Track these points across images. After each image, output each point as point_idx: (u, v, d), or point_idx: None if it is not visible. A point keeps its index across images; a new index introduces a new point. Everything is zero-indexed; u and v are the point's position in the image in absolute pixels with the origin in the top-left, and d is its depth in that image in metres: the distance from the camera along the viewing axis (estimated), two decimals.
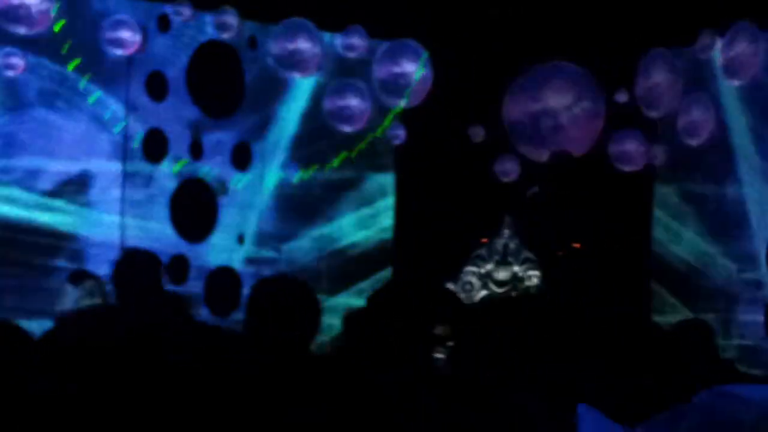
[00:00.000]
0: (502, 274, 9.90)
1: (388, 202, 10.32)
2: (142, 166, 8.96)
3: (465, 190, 9.78)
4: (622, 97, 9.20)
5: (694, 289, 9.37)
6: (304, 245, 10.00)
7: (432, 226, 9.76)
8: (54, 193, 8.57)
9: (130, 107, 8.84)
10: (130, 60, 8.63)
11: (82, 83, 8.61)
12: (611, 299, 9.32)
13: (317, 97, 9.66)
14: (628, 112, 9.38)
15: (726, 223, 9.01)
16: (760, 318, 8.13)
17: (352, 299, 9.68)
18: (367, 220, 10.28)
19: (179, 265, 9.00)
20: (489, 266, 9.95)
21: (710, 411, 1.77)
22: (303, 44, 8.95)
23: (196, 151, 9.16)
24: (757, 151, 8.67)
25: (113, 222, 8.80)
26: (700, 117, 8.76)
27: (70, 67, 8.53)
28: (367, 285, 9.72)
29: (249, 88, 9.37)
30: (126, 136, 8.86)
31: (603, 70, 9.56)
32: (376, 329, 4.76)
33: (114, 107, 8.82)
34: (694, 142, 8.74)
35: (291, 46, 8.93)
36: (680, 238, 9.60)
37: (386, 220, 10.32)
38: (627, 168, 9.23)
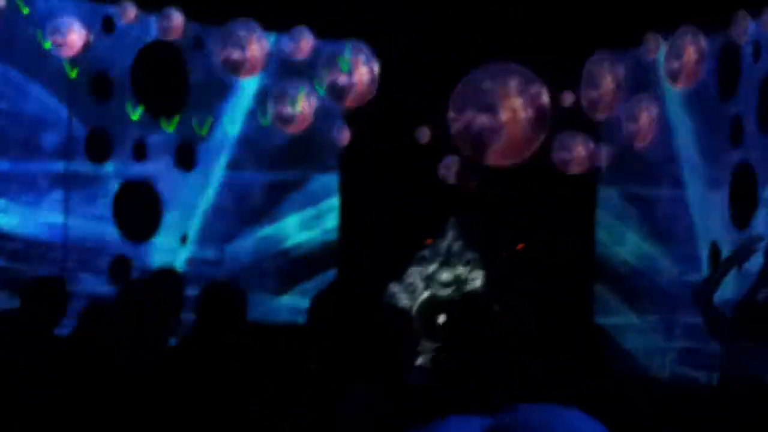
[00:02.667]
0: (445, 275, 9.92)
1: (333, 202, 10.30)
2: (85, 167, 8.90)
3: (410, 191, 9.79)
4: (567, 100, 9.25)
5: (636, 290, 9.46)
6: (247, 246, 9.96)
7: (376, 227, 9.76)
8: None
9: (74, 108, 8.78)
10: (74, 61, 8.56)
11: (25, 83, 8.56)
12: (555, 301, 9.39)
13: (262, 98, 9.64)
14: (573, 114, 9.45)
15: (668, 226, 9.11)
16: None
17: (297, 300, 9.66)
18: (311, 221, 10.25)
19: (121, 266, 8.97)
20: (433, 267, 9.97)
21: None
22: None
23: (140, 151, 9.12)
24: (699, 154, 8.77)
25: (56, 222, 8.75)
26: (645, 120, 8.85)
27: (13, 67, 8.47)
28: (311, 286, 9.71)
29: (193, 89, 9.33)
30: (69, 137, 8.80)
31: (548, 73, 9.61)
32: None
33: (57, 108, 8.77)
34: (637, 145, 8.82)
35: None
36: (623, 240, 9.69)
37: (331, 221, 10.30)
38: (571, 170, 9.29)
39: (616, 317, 9.61)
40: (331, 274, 10.04)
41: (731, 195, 8.15)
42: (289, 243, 10.16)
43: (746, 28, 7.76)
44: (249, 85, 9.69)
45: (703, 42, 7.78)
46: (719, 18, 7.99)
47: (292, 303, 9.68)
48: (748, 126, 7.91)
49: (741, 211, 7.99)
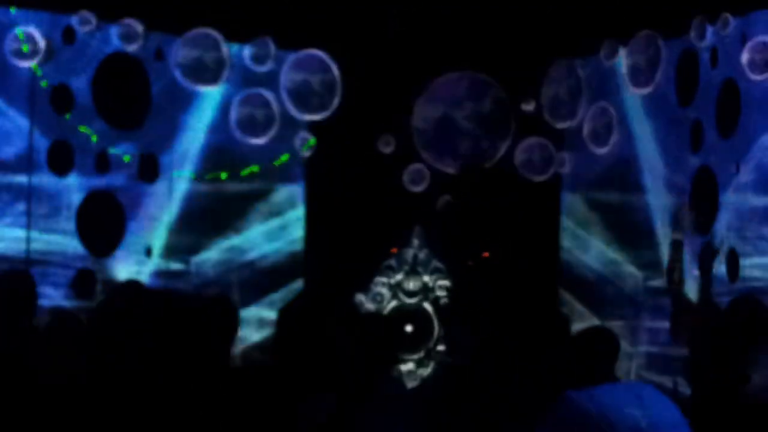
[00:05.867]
0: (411, 285, 9.93)
1: (298, 213, 10.28)
2: (47, 179, 8.85)
3: (374, 200, 9.80)
4: (528, 107, 9.30)
5: (601, 296, 9.50)
6: (213, 257, 9.92)
7: (342, 237, 9.76)
8: None
9: (35, 119, 8.73)
10: (34, 71, 8.51)
11: None
12: (520, 307, 9.40)
13: (225, 108, 9.61)
14: (534, 121, 9.51)
15: (631, 231, 9.16)
16: (666, 325, 8.27)
17: (264, 311, 9.64)
18: (276, 232, 10.22)
19: (85, 280, 8.89)
20: (399, 276, 9.98)
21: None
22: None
23: (102, 163, 9.06)
24: (660, 160, 8.83)
25: (19, 236, 8.68)
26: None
27: None
28: (278, 297, 9.69)
29: (155, 100, 9.28)
30: (31, 149, 8.74)
31: (509, 80, 9.66)
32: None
33: (19, 119, 8.72)
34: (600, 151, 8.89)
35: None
36: (587, 246, 9.73)
37: (296, 231, 10.27)
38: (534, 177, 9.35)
39: (581, 323, 9.64)
40: (297, 284, 10.02)
41: (692, 199, 8.21)
42: (255, 254, 10.12)
43: (704, 34, 7.84)
44: (212, 96, 9.66)
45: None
46: (677, 24, 8.07)
47: (259, 314, 9.65)
48: (707, 131, 7.97)
49: (702, 216, 8.05)
